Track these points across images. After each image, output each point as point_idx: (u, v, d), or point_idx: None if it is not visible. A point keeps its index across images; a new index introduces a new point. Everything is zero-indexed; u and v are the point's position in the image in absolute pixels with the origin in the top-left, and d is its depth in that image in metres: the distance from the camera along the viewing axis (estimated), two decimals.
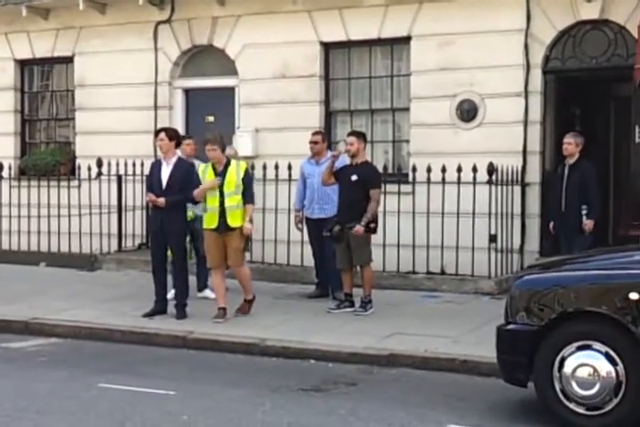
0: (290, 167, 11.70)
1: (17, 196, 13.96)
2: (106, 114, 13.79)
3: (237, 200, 9.53)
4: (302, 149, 11.17)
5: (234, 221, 9.49)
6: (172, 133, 10.03)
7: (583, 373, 6.12)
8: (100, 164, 12.94)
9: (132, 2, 13.26)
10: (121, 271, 12.76)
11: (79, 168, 13.39)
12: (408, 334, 8.84)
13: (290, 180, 11.70)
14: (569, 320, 6.26)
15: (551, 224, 10.48)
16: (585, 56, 11.35)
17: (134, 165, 12.84)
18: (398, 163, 12.19)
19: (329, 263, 10.45)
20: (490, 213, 10.96)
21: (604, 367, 6.07)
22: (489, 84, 11.56)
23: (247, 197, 9.61)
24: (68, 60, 14.31)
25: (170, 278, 9.97)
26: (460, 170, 10.95)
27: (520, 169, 11.43)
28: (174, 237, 9.74)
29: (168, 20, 13.48)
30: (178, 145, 10.07)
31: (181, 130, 12.63)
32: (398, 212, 11.33)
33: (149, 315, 9.76)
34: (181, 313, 9.73)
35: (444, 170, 11.04)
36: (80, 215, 13.19)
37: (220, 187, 9.47)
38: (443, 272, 11.30)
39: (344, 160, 10.18)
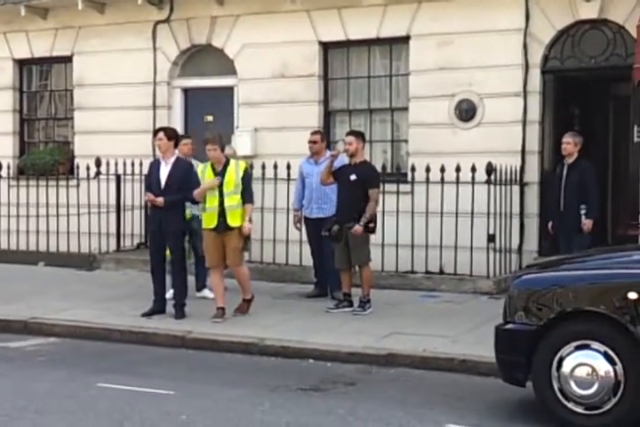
0: (289, 167, 11.70)
1: (16, 195, 13.96)
2: (105, 113, 13.78)
3: (237, 200, 9.53)
4: (301, 148, 11.17)
5: (233, 220, 9.49)
6: (170, 133, 10.02)
7: (582, 372, 6.13)
8: (98, 163, 12.93)
9: (131, 1, 13.25)
10: (120, 271, 12.76)
11: (78, 168, 13.39)
12: (407, 333, 8.84)
13: (289, 179, 11.70)
14: (567, 320, 6.26)
15: (550, 224, 10.49)
16: (584, 56, 11.35)
17: (133, 164, 12.84)
18: (397, 162, 12.19)
19: (327, 263, 10.45)
20: (488, 213, 10.96)
21: (603, 367, 6.07)
22: (488, 84, 11.56)
23: (246, 196, 9.61)
24: (67, 60, 14.31)
25: (168, 278, 9.97)
26: (458, 170, 10.95)
27: (519, 169, 11.43)
28: (173, 236, 9.74)
29: (167, 20, 13.48)
30: (177, 145, 10.07)
31: (180, 130, 12.63)
32: (397, 211, 11.34)
33: (148, 315, 9.76)
34: (180, 313, 9.73)
35: (442, 170, 11.04)
36: (79, 215, 13.20)
37: (220, 186, 9.47)
38: (441, 272, 11.30)
39: (343, 160, 10.18)
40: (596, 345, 6.11)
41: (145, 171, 10.67)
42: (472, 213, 10.95)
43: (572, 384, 6.14)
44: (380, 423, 6.40)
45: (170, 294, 10.01)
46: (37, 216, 13.58)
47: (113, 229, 13.27)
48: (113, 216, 13.24)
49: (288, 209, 11.49)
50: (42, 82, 15.08)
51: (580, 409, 6.14)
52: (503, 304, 6.67)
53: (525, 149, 11.49)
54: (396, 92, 12.37)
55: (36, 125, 15.06)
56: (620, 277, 6.27)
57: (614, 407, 6.04)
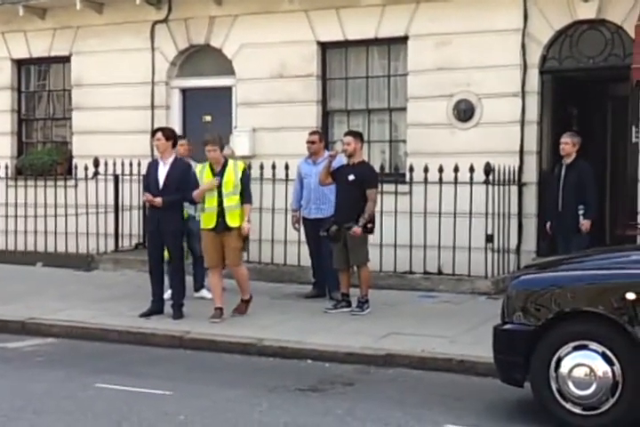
0: (287, 167, 11.70)
1: (14, 195, 13.97)
2: (103, 113, 13.78)
3: (236, 200, 9.54)
4: (299, 148, 11.17)
5: (233, 220, 9.49)
6: (168, 133, 10.02)
7: (580, 373, 6.13)
8: (96, 163, 12.93)
9: (129, 1, 13.25)
10: (118, 271, 12.76)
11: (76, 168, 13.37)
12: (405, 333, 8.84)
13: (287, 179, 11.70)
14: (566, 320, 6.26)
15: (548, 224, 10.48)
16: (582, 56, 11.36)
17: (131, 164, 12.83)
18: (395, 163, 12.19)
19: (326, 263, 10.45)
20: (487, 213, 10.97)
21: (601, 367, 6.08)
22: (486, 84, 11.56)
23: (245, 196, 9.61)
24: (65, 60, 14.30)
25: (167, 278, 9.97)
26: (456, 170, 10.95)
27: (517, 169, 11.43)
28: (171, 236, 9.74)
29: (165, 20, 13.47)
30: (175, 145, 10.06)
31: (178, 130, 12.63)
32: (395, 212, 11.34)
33: (146, 315, 9.76)
34: (178, 313, 9.73)
35: (441, 170, 11.04)
36: (77, 215, 13.18)
37: (219, 187, 9.47)
38: (440, 272, 11.30)
39: (341, 160, 10.18)
40: (594, 346, 6.11)
41: (143, 171, 10.67)
42: (470, 213, 10.94)
43: (570, 385, 6.15)
44: (379, 424, 6.40)
45: (168, 294, 10.01)
46: (35, 216, 13.57)
47: (111, 230, 13.26)
48: (111, 216, 13.24)
49: (286, 209, 11.49)
50: (40, 82, 15.07)
51: (578, 410, 6.14)
52: (501, 305, 6.67)
53: (523, 149, 11.49)
54: (394, 93, 12.37)
55: (34, 125, 15.05)
56: (618, 277, 6.27)
57: (612, 408, 6.04)
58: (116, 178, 13.14)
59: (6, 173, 14.18)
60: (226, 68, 13.19)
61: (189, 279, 10.40)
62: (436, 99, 11.80)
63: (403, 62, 12.24)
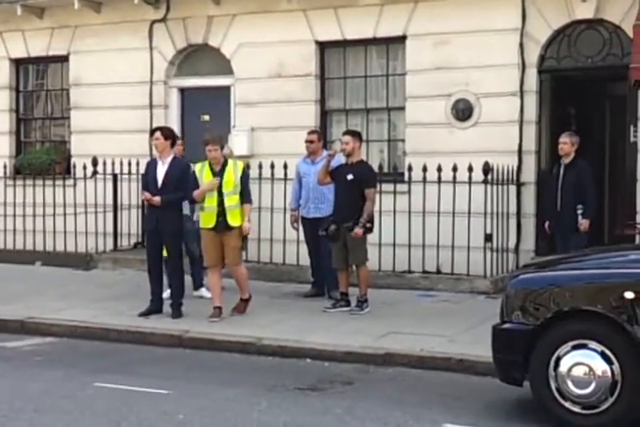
0: (285, 166, 11.71)
1: (12, 195, 13.97)
2: (101, 113, 13.78)
3: (236, 200, 9.54)
4: (298, 148, 11.17)
5: (233, 220, 9.50)
6: (167, 133, 10.02)
7: (579, 372, 6.13)
8: (95, 163, 12.92)
9: (127, 1, 13.25)
10: (117, 270, 12.75)
11: (74, 167, 13.37)
12: (404, 333, 8.84)
13: (285, 179, 11.71)
14: (564, 319, 6.26)
15: (547, 223, 10.49)
16: (580, 55, 11.37)
17: (130, 164, 12.83)
18: (394, 162, 12.19)
19: (325, 262, 10.46)
20: (485, 213, 10.97)
21: (600, 366, 6.08)
22: (484, 84, 11.57)
23: (245, 196, 9.62)
24: (63, 59, 14.29)
25: (166, 278, 9.96)
26: (455, 169, 10.95)
27: (515, 168, 11.44)
28: (170, 235, 9.74)
29: (163, 19, 13.47)
30: (173, 144, 10.06)
31: (177, 129, 12.61)
32: (394, 211, 11.34)
33: (145, 314, 9.76)
34: (177, 312, 9.73)
35: (439, 169, 11.04)
36: (75, 214, 13.18)
37: (219, 187, 9.47)
38: (438, 271, 11.31)
39: (340, 159, 10.18)
40: (593, 345, 6.12)
41: (142, 170, 10.66)
42: (469, 212, 10.95)
43: (570, 384, 6.15)
44: (378, 423, 6.41)
45: (167, 293, 10.01)
46: (34, 216, 13.56)
47: (110, 229, 13.26)
48: (110, 216, 13.24)
49: (285, 209, 11.49)
50: (38, 81, 15.07)
51: (577, 409, 6.14)
52: (500, 304, 6.68)
53: (522, 148, 11.50)
54: (392, 92, 12.38)
55: (33, 125, 15.04)
56: (616, 276, 6.27)
57: (611, 407, 6.04)
58: (115, 177, 13.15)
59: (5, 173, 14.18)
60: (224, 67, 13.19)
61: (188, 278, 10.40)
62: (435, 98, 11.81)
63: (401, 62, 12.24)
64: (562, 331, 6.26)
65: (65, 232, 13.29)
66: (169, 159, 9.86)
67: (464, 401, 6.95)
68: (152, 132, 10.24)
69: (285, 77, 12.69)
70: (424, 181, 11.22)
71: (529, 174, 11.54)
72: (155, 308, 9.83)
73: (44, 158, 14.25)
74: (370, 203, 9.83)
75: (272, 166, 11.85)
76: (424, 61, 11.89)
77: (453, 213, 10.99)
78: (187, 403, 6.88)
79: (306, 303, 10.46)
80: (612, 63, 11.19)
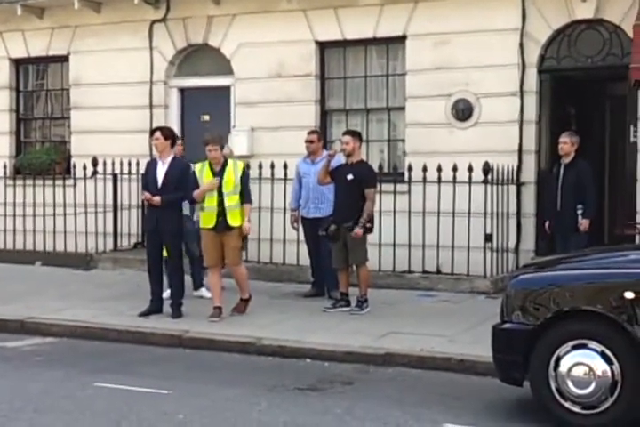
0: (285, 166, 11.71)
1: (12, 195, 13.97)
2: (101, 113, 13.78)
3: (236, 200, 9.54)
4: (298, 148, 11.17)
5: (234, 220, 9.50)
6: (167, 133, 10.02)
7: (579, 372, 6.13)
8: (95, 163, 12.92)
9: (127, 1, 13.25)
10: (117, 270, 12.76)
11: (74, 167, 13.37)
12: (404, 333, 8.84)
13: (285, 179, 11.71)
14: (564, 319, 6.26)
15: (547, 223, 10.49)
16: (580, 55, 11.37)
17: (130, 164, 12.83)
18: (394, 162, 12.19)
19: (325, 262, 10.46)
20: (485, 213, 10.97)
21: (600, 366, 6.08)
22: (484, 84, 11.57)
23: (245, 196, 9.62)
24: (63, 59, 14.30)
25: (166, 277, 9.96)
26: (455, 169, 10.95)
27: (515, 168, 11.44)
28: (170, 235, 9.74)
29: (163, 19, 13.47)
30: (173, 144, 10.06)
31: (177, 129, 12.61)
32: (394, 211, 11.34)
33: (145, 314, 9.76)
34: (177, 312, 9.73)
35: (439, 169, 11.04)
36: (75, 214, 13.18)
37: (219, 186, 9.47)
38: (438, 271, 11.31)
39: (340, 159, 10.19)
40: (593, 345, 6.12)
41: (142, 170, 10.67)
42: (469, 212, 10.95)
43: (570, 384, 6.15)
44: (378, 423, 6.41)
45: (167, 293, 10.01)
46: (34, 216, 13.56)
47: (110, 229, 13.26)
48: (110, 216, 13.24)
49: (285, 209, 11.49)
50: (38, 81, 15.07)
51: (577, 409, 6.14)
52: (500, 304, 6.67)
53: (522, 148, 11.50)
54: (392, 92, 12.38)
55: (33, 125, 15.05)
56: (616, 276, 6.27)
57: (611, 407, 6.05)
58: (115, 177, 13.15)
59: (5, 173, 14.18)
60: (224, 67, 13.19)
61: (188, 278, 10.39)
62: (435, 98, 11.81)
63: (401, 62, 12.24)
64: (562, 331, 6.25)
65: (65, 232, 13.29)
66: (169, 159, 9.86)
67: (464, 401, 6.95)
68: (152, 132, 10.24)
69: (285, 77, 12.69)
70: (424, 181, 11.22)
71: (529, 174, 11.54)
72: (155, 308, 9.83)
73: (44, 158, 14.25)
74: (370, 203, 9.83)
75: (272, 166, 11.85)
76: (424, 61, 11.89)
77: (453, 213, 10.99)
78: (187, 403, 6.88)
79: (306, 303, 10.46)
80: (612, 63, 11.19)
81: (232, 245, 9.55)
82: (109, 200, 13.23)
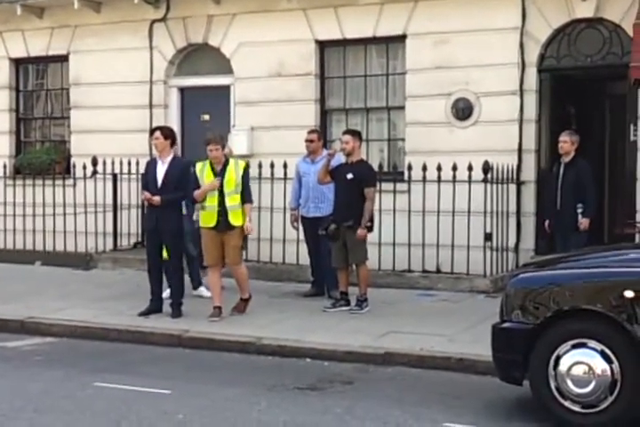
0: (285, 166, 11.71)
1: (12, 194, 13.97)
2: (101, 112, 13.77)
3: (237, 199, 9.53)
4: (298, 147, 11.17)
5: (235, 219, 9.49)
6: (167, 132, 10.02)
7: (578, 371, 6.13)
8: (95, 162, 12.91)
9: (127, 0, 13.25)
10: (116, 270, 12.75)
11: (74, 167, 13.37)
12: (404, 332, 8.84)
13: (285, 178, 11.71)
14: (564, 318, 6.26)
15: (546, 222, 10.48)
16: (580, 54, 11.37)
17: (129, 163, 12.83)
18: (394, 161, 12.19)
19: (324, 262, 10.46)
20: (485, 212, 10.97)
21: (600, 365, 6.08)
22: (484, 83, 11.56)
23: (245, 195, 9.61)
24: (63, 59, 14.29)
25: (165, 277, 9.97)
26: (455, 168, 10.95)
27: (515, 167, 11.44)
28: (169, 235, 9.74)
29: (163, 19, 13.47)
30: (173, 144, 10.06)
31: (177, 129, 12.61)
32: (394, 210, 11.34)
33: (145, 314, 9.76)
34: (177, 312, 9.73)
35: (439, 168, 11.04)
36: (75, 214, 13.18)
37: (220, 186, 9.46)
38: (438, 271, 11.30)
39: (339, 159, 10.18)
40: (592, 344, 6.12)
41: (141, 170, 10.67)
42: (469, 211, 10.95)
43: (569, 383, 6.15)
44: (378, 422, 6.41)
45: (167, 293, 10.01)
46: (34, 215, 13.56)
47: (110, 229, 13.26)
48: (110, 215, 13.24)
49: (285, 208, 11.49)
50: (38, 81, 15.07)
51: (576, 408, 6.14)
52: (500, 303, 6.67)
53: (522, 147, 11.50)
54: (392, 91, 12.37)
55: (33, 125, 15.04)
56: (616, 275, 6.27)
57: (611, 406, 6.04)
58: (115, 177, 13.15)
59: (5, 173, 14.18)
60: (224, 66, 13.18)
61: (187, 278, 10.39)
62: (435, 97, 11.81)
63: (401, 61, 12.24)
64: (561, 330, 6.25)
65: (65, 232, 13.29)
66: (169, 159, 9.86)
67: (464, 400, 6.95)
68: (152, 131, 10.24)
69: (285, 77, 12.68)
70: (424, 180, 11.21)
71: (529, 173, 11.53)
72: (154, 307, 9.83)
73: (44, 158, 14.24)
74: (369, 202, 9.83)
75: (272, 166, 11.85)
76: (424, 60, 11.88)
77: (453, 212, 10.99)
78: (186, 403, 6.88)
79: (305, 303, 10.46)
80: (611, 62, 11.19)
81: (232, 245, 9.54)
82: (109, 200, 13.23)
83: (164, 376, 7.73)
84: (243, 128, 12.89)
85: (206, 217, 9.57)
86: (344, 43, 12.49)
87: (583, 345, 6.15)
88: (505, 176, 11.23)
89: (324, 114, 12.71)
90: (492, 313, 7.04)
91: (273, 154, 12.21)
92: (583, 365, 6.12)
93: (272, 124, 12.66)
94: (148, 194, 9.75)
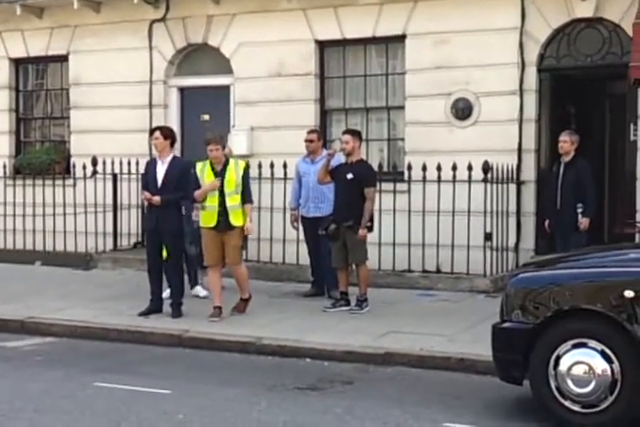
0: (285, 166, 11.71)
1: (12, 194, 13.97)
2: (101, 112, 13.77)
3: (238, 199, 9.53)
4: (297, 147, 11.17)
5: (236, 220, 9.49)
6: (167, 132, 10.02)
7: (579, 371, 6.13)
8: (94, 162, 12.91)
9: (127, 0, 13.24)
10: (116, 270, 12.75)
11: (74, 167, 13.37)
12: (404, 332, 8.84)
13: (285, 178, 11.71)
14: (564, 318, 6.26)
15: (546, 222, 10.48)
16: (580, 54, 11.37)
17: (129, 163, 12.83)
18: (394, 161, 12.19)
19: (324, 262, 10.45)
20: (485, 212, 10.97)
21: (600, 365, 6.08)
22: (484, 83, 11.56)
23: (246, 195, 9.61)
24: (63, 59, 14.29)
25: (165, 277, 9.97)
26: (455, 168, 10.95)
27: (515, 167, 11.44)
28: (169, 235, 9.74)
29: (163, 19, 13.47)
30: (173, 144, 10.06)
31: (177, 129, 12.60)
32: (394, 210, 11.34)
33: (145, 314, 9.76)
34: (177, 312, 9.73)
35: (439, 168, 11.03)
36: (75, 214, 13.18)
37: (220, 186, 9.45)
38: (438, 271, 11.30)
39: (339, 159, 10.18)
40: (592, 343, 6.12)
41: (141, 170, 10.66)
42: (469, 211, 10.95)
43: (569, 383, 6.15)
44: (378, 422, 6.41)
45: (167, 293, 10.01)
46: (34, 215, 13.56)
47: (110, 229, 13.26)
48: (109, 215, 13.24)
49: (285, 208, 11.49)
50: (38, 81, 15.07)
51: (577, 407, 6.14)
52: (500, 303, 6.67)
53: (522, 147, 11.50)
54: (392, 91, 12.37)
55: (32, 125, 15.04)
56: (616, 275, 6.27)
57: (611, 406, 6.05)
58: (115, 177, 13.14)
59: (5, 173, 14.17)
60: (224, 66, 13.18)
61: (186, 278, 10.39)
62: (435, 97, 11.81)
63: (401, 61, 12.24)
64: (562, 330, 6.26)
65: (65, 232, 13.29)
66: (168, 159, 9.86)
67: (464, 400, 6.95)
68: (151, 131, 10.25)
69: (285, 77, 12.68)
70: (424, 180, 11.21)
71: (529, 173, 11.53)
72: (154, 307, 9.83)
73: (44, 158, 14.24)
74: (369, 202, 9.83)
75: (272, 166, 11.85)
76: (424, 60, 11.88)
77: (453, 212, 10.99)
78: (186, 403, 6.88)
79: (305, 303, 10.46)
80: (611, 62, 11.19)
81: (232, 245, 9.54)
82: (109, 200, 13.23)
83: (164, 376, 7.73)
84: (242, 128, 12.89)
85: (207, 217, 9.57)
86: (344, 43, 12.48)
87: (583, 345, 6.15)
88: (505, 176, 11.23)
89: (324, 114, 12.71)
90: (492, 313, 7.05)
91: (273, 154, 12.21)
92: (583, 364, 6.12)
93: (272, 124, 12.66)
94: (148, 194, 9.75)
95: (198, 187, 9.54)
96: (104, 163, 12.93)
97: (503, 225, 11.27)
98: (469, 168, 10.86)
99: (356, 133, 10.26)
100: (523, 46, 11.42)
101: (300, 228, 11.00)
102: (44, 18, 14.26)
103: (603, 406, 6.07)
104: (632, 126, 11.13)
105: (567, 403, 6.17)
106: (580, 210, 10.03)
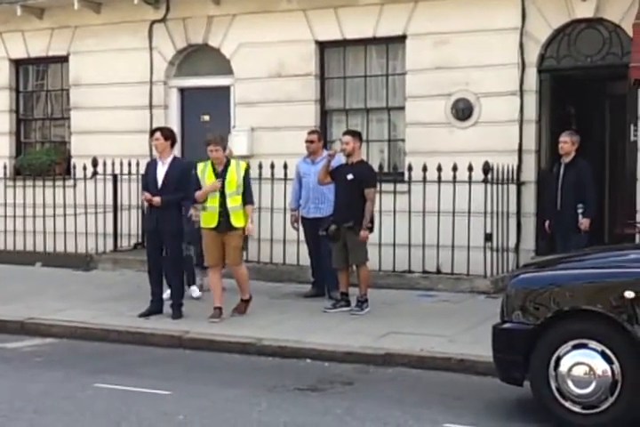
0: (285, 166, 11.71)
1: (12, 195, 13.96)
2: (101, 113, 13.77)
3: (239, 200, 9.52)
4: (298, 148, 11.17)
5: (237, 220, 9.49)
6: (167, 133, 10.02)
7: (579, 371, 6.13)
8: (95, 163, 12.91)
9: (127, 1, 13.25)
10: (117, 271, 12.75)
11: (74, 168, 13.36)
12: (404, 333, 8.84)
13: (285, 179, 11.71)
14: (565, 319, 6.26)
15: (547, 223, 10.48)
16: (580, 55, 11.36)
17: (130, 164, 12.83)
18: (394, 162, 12.19)
19: (325, 263, 10.45)
20: (485, 212, 10.96)
21: (600, 366, 6.08)
22: (484, 83, 11.56)
23: (247, 196, 9.60)
24: (63, 60, 14.29)
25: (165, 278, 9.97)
26: (455, 169, 10.94)
27: (515, 168, 11.43)
28: (170, 236, 9.73)
29: (163, 19, 13.47)
30: (173, 145, 10.06)
31: (177, 129, 12.60)
32: (394, 211, 11.34)
33: (145, 315, 9.76)
34: (177, 313, 9.73)
35: (439, 169, 11.03)
36: (75, 215, 13.17)
37: (221, 187, 9.45)
38: (438, 271, 11.30)
39: (340, 159, 10.18)
40: (593, 344, 6.12)
41: (142, 171, 10.67)
42: (469, 212, 10.94)
43: (570, 383, 6.15)
44: (378, 423, 6.40)
45: (167, 294, 10.00)
46: (34, 216, 13.56)
47: (110, 230, 13.25)
48: (110, 216, 13.23)
49: (285, 209, 11.48)
50: (38, 82, 15.07)
51: (577, 408, 6.14)
52: (500, 303, 6.67)
53: (522, 148, 11.49)
54: (392, 92, 12.37)
55: (33, 125, 15.05)
56: (616, 276, 6.27)
57: (611, 407, 6.04)
58: (115, 178, 13.14)
59: (5, 174, 14.17)
60: (224, 67, 13.19)
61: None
62: (435, 98, 11.80)
63: (401, 61, 12.24)
64: (562, 330, 6.25)
65: (65, 233, 13.28)
66: (169, 160, 9.86)
67: (464, 401, 6.95)
68: (152, 132, 10.26)
69: (285, 77, 12.68)
70: (424, 180, 11.21)
71: (529, 174, 11.53)
72: (155, 308, 9.83)
73: (44, 159, 14.25)
74: (370, 203, 9.83)
75: (272, 166, 11.85)
76: (424, 61, 11.88)
77: (453, 212, 10.99)
78: (187, 404, 6.88)
79: (306, 304, 10.46)
80: (611, 62, 11.18)
81: (233, 245, 9.54)
82: (109, 201, 13.23)
83: (164, 377, 7.73)
84: (243, 129, 12.89)
85: (207, 218, 9.57)
86: (344, 43, 12.48)
87: (584, 346, 6.15)
88: (505, 177, 11.23)
89: (324, 114, 12.71)
90: (493, 314, 7.04)
91: (273, 154, 12.21)
92: (584, 365, 6.12)
93: (272, 125, 12.66)
94: (148, 195, 9.75)
95: (199, 188, 9.54)
96: (104, 164, 12.93)
97: (503, 226, 11.26)
98: (470, 169, 10.86)
99: (356, 134, 10.26)
100: (523, 47, 11.42)
101: (301, 228, 11.00)
102: (44, 18, 14.26)
103: (603, 406, 6.07)
104: (632, 127, 11.13)
105: (567, 404, 6.16)
106: (580, 210, 10.03)
